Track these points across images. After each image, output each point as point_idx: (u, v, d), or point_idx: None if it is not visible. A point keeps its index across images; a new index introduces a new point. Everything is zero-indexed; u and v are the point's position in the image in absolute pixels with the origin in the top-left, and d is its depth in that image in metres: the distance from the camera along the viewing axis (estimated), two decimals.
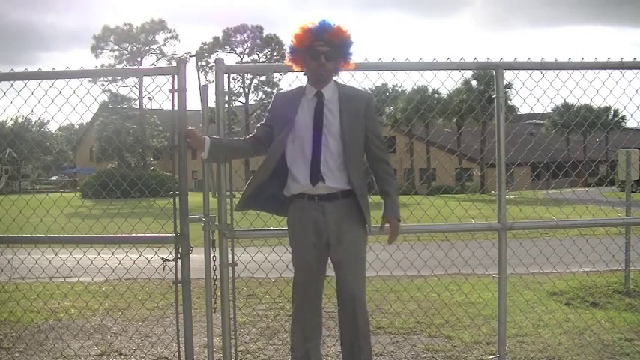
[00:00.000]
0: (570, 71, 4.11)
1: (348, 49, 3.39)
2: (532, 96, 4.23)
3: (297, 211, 3.44)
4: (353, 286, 3.39)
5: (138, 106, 51.35)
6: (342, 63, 3.41)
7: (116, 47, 54.10)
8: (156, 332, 5.50)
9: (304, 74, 3.47)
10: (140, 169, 41.87)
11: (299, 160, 3.36)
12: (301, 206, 3.40)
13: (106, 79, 41.82)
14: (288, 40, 3.42)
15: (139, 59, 53.70)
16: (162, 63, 52.52)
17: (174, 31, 58.81)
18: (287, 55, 3.45)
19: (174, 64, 3.87)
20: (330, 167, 3.32)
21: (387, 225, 3.45)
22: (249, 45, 55.52)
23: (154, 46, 54.93)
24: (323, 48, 3.28)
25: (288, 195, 3.46)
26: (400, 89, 39.60)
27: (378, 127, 3.54)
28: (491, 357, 4.44)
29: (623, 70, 4.21)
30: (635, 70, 4.24)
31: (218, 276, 3.73)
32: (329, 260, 3.48)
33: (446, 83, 4.53)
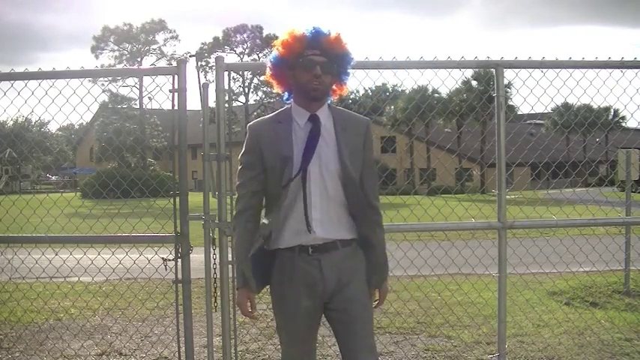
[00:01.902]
0: (571, 70, 4.11)
1: (347, 65, 2.75)
2: (532, 95, 4.23)
3: (285, 268, 2.71)
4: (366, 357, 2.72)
5: (138, 106, 51.39)
6: (337, 83, 2.76)
7: (116, 47, 54.17)
8: (156, 332, 5.51)
9: (285, 96, 2.82)
10: (140, 169, 41.87)
11: (295, 203, 2.66)
12: (291, 262, 2.68)
13: (106, 79, 41.78)
14: (273, 50, 2.76)
15: (139, 59, 53.73)
16: (163, 63, 52.60)
17: (175, 31, 58.94)
18: (269, 69, 2.78)
19: (175, 64, 3.87)
20: (328, 212, 2.67)
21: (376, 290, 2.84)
22: (249, 45, 55.60)
23: (154, 46, 55.00)
24: (318, 57, 2.65)
25: (270, 249, 2.72)
26: (400, 89, 39.62)
27: (374, 162, 2.91)
28: (491, 356, 4.44)
29: (624, 70, 4.21)
30: (636, 70, 4.23)
31: (218, 275, 3.72)
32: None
33: (446, 82, 4.51)
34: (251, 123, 2.82)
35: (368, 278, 2.77)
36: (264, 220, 2.75)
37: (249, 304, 2.78)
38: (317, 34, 2.66)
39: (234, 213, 2.83)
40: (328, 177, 2.66)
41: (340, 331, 2.74)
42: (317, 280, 2.67)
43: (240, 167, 2.79)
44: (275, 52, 2.74)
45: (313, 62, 2.64)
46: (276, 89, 2.81)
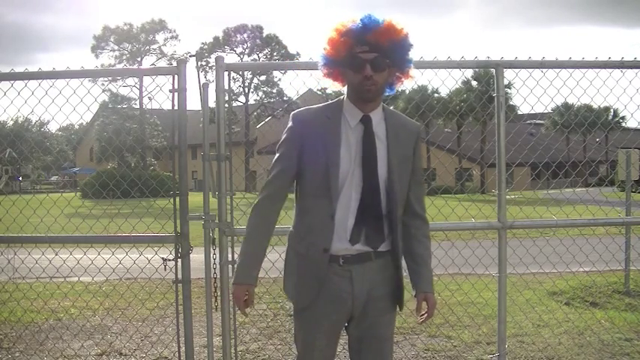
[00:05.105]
0: (571, 70, 4.11)
1: (405, 53, 2.45)
2: (532, 95, 4.23)
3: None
4: None
5: (138, 106, 51.38)
6: (397, 75, 2.50)
7: (116, 47, 54.14)
8: (156, 332, 5.51)
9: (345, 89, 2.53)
10: (140, 169, 41.87)
11: (336, 208, 2.44)
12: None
13: (106, 79, 41.71)
14: (320, 48, 2.47)
15: (139, 59, 53.71)
16: (163, 63, 52.58)
17: (175, 31, 59.04)
18: (321, 68, 2.49)
19: (175, 64, 3.86)
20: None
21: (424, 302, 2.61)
22: (249, 45, 55.56)
23: (154, 46, 54.97)
24: (367, 55, 2.36)
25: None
26: (400, 89, 39.54)
27: (422, 170, 2.71)
28: (491, 356, 4.44)
29: (624, 70, 4.20)
30: (636, 70, 4.23)
31: (218, 275, 3.72)
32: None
33: (446, 82, 4.50)
34: (295, 111, 2.54)
35: (400, 293, 2.58)
36: (296, 221, 2.57)
37: (246, 297, 2.50)
38: (365, 27, 2.36)
39: (256, 201, 2.56)
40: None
41: (357, 348, 2.58)
42: (347, 294, 2.47)
43: (275, 158, 2.53)
44: (322, 52, 2.45)
45: (362, 61, 2.37)
46: (334, 87, 2.55)
